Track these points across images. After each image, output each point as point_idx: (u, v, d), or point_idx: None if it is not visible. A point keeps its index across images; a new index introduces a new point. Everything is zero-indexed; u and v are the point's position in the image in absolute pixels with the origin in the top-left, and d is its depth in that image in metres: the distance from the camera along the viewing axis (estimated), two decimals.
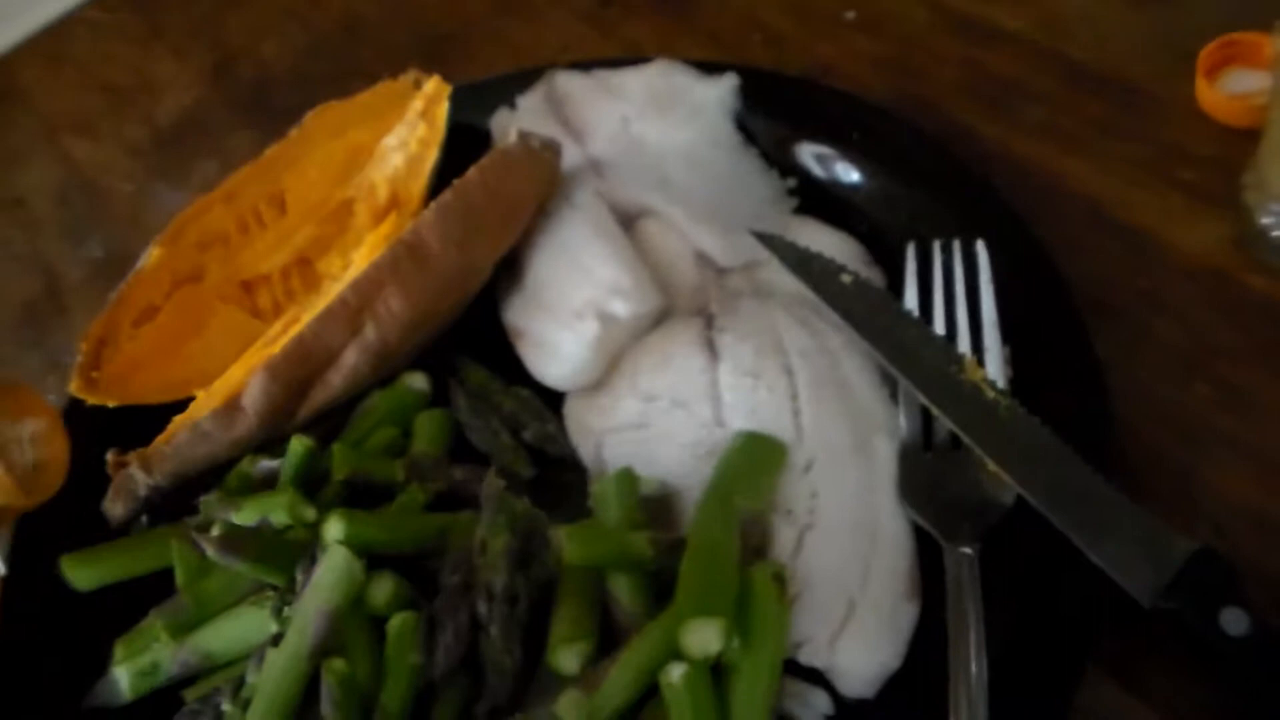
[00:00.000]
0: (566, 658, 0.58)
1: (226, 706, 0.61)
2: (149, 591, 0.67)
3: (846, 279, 0.68)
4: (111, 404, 0.74)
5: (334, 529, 0.61)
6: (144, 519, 0.70)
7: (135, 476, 0.69)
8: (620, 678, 0.57)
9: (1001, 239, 0.70)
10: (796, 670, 0.60)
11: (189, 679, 0.65)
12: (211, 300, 0.79)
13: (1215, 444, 0.66)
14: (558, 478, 0.69)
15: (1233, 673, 0.55)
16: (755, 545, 0.62)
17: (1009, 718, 0.56)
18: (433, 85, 0.78)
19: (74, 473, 0.70)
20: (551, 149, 0.74)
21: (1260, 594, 0.58)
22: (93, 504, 0.70)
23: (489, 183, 0.71)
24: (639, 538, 0.61)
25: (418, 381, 0.72)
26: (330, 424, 0.70)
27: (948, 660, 0.57)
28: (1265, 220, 0.70)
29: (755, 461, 0.64)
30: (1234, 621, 0.55)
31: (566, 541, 0.59)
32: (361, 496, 0.67)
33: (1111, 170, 0.78)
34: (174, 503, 0.69)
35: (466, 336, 0.75)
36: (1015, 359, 0.67)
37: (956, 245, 0.71)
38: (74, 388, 0.74)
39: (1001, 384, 0.65)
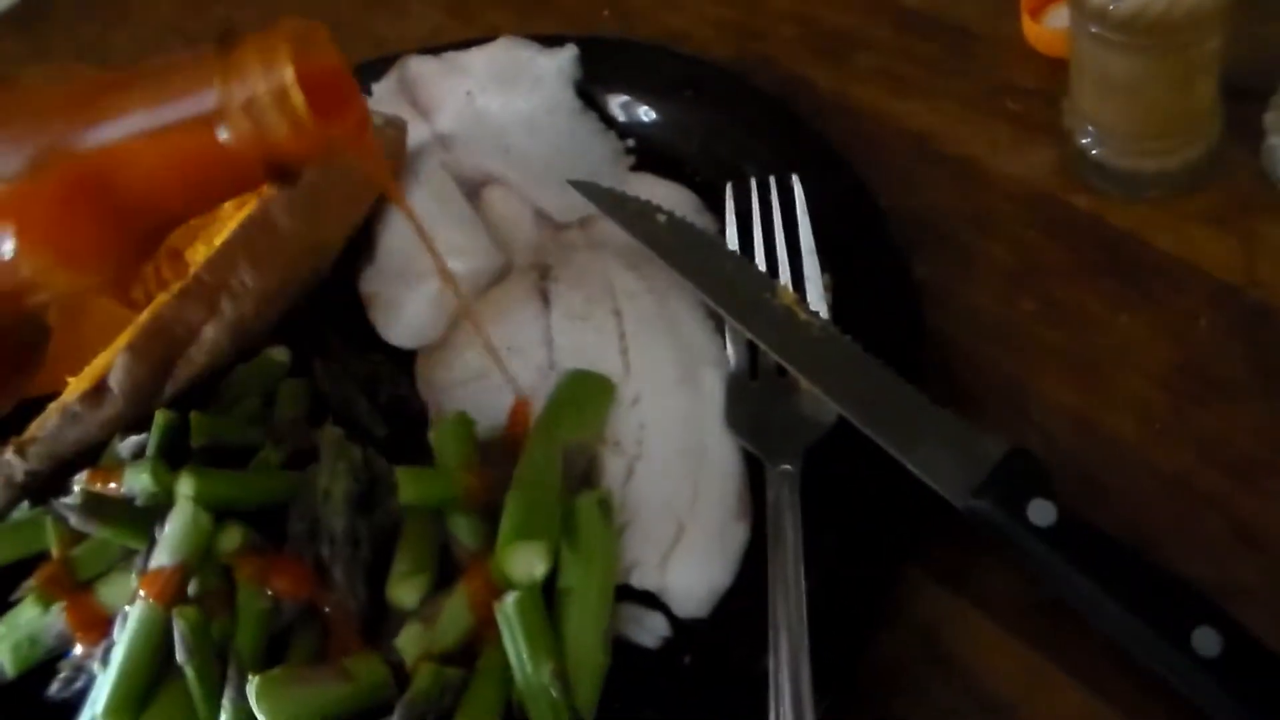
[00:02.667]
0: (405, 592, 0.61)
1: (97, 668, 0.64)
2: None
3: (661, 218, 0.70)
4: None
5: (184, 486, 0.64)
6: (26, 505, 0.73)
7: (11, 463, 0.71)
8: (456, 608, 0.60)
9: (817, 171, 0.73)
10: (632, 595, 0.63)
11: (67, 648, 0.67)
12: (84, 296, 0.82)
13: (1041, 356, 0.69)
14: (412, 436, 0.71)
15: (1043, 562, 0.57)
16: (585, 478, 0.65)
17: (833, 623, 0.58)
18: None
19: None
20: (396, 126, 0.77)
21: (1080, 493, 0.61)
22: None
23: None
24: (471, 476, 0.63)
25: (278, 353, 0.75)
26: (196, 399, 0.73)
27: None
28: (1083, 141, 0.73)
29: (582, 397, 0.66)
30: (1041, 513, 0.57)
31: (400, 481, 0.62)
32: (224, 464, 0.69)
33: (941, 108, 0.81)
34: (53, 487, 0.72)
35: (327, 308, 0.77)
36: (836, 286, 0.70)
37: (772, 181, 0.73)
38: None
39: (823, 310, 0.67)
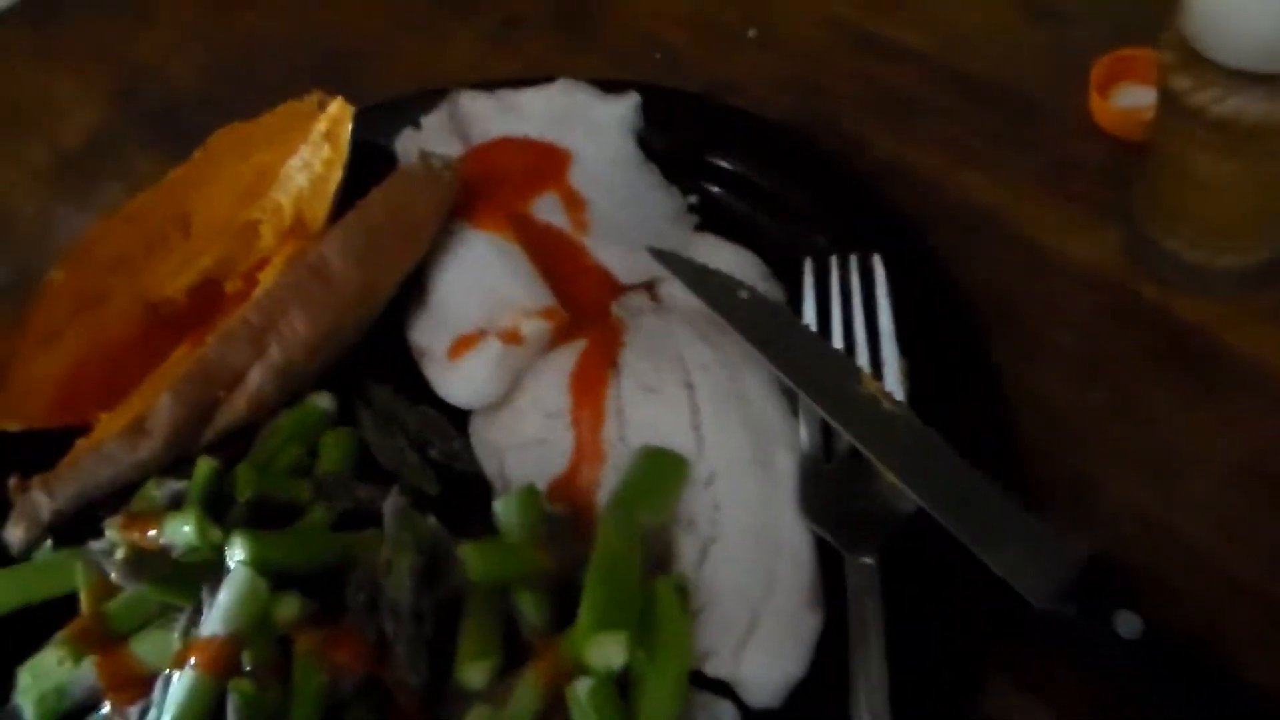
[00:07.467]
0: (473, 673, 0.59)
1: None
2: (56, 618, 0.65)
3: (743, 294, 0.68)
4: (14, 428, 0.74)
5: (238, 550, 0.61)
6: (48, 544, 0.70)
7: (37, 500, 0.68)
8: (527, 692, 0.58)
9: (898, 252, 0.72)
10: (703, 682, 0.61)
11: (96, 704, 0.64)
12: (116, 322, 0.79)
13: (1111, 450, 0.68)
14: (464, 495, 0.69)
15: (1126, 673, 0.57)
16: (658, 558, 0.63)
17: None
18: (336, 107, 0.78)
19: None
20: (453, 169, 0.74)
21: (1152, 596, 0.60)
22: None
23: (390, 202, 0.71)
24: (541, 553, 0.61)
25: (323, 401, 0.72)
26: (236, 445, 0.70)
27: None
28: (1154, 231, 0.72)
29: (657, 476, 0.64)
30: (1127, 625, 0.56)
31: (470, 558, 0.60)
32: (267, 517, 0.67)
33: (1007, 182, 0.79)
34: (79, 527, 0.69)
35: (374, 356, 0.74)
36: (914, 371, 0.68)
37: (853, 259, 0.72)
38: None
39: (900, 396, 0.66)
